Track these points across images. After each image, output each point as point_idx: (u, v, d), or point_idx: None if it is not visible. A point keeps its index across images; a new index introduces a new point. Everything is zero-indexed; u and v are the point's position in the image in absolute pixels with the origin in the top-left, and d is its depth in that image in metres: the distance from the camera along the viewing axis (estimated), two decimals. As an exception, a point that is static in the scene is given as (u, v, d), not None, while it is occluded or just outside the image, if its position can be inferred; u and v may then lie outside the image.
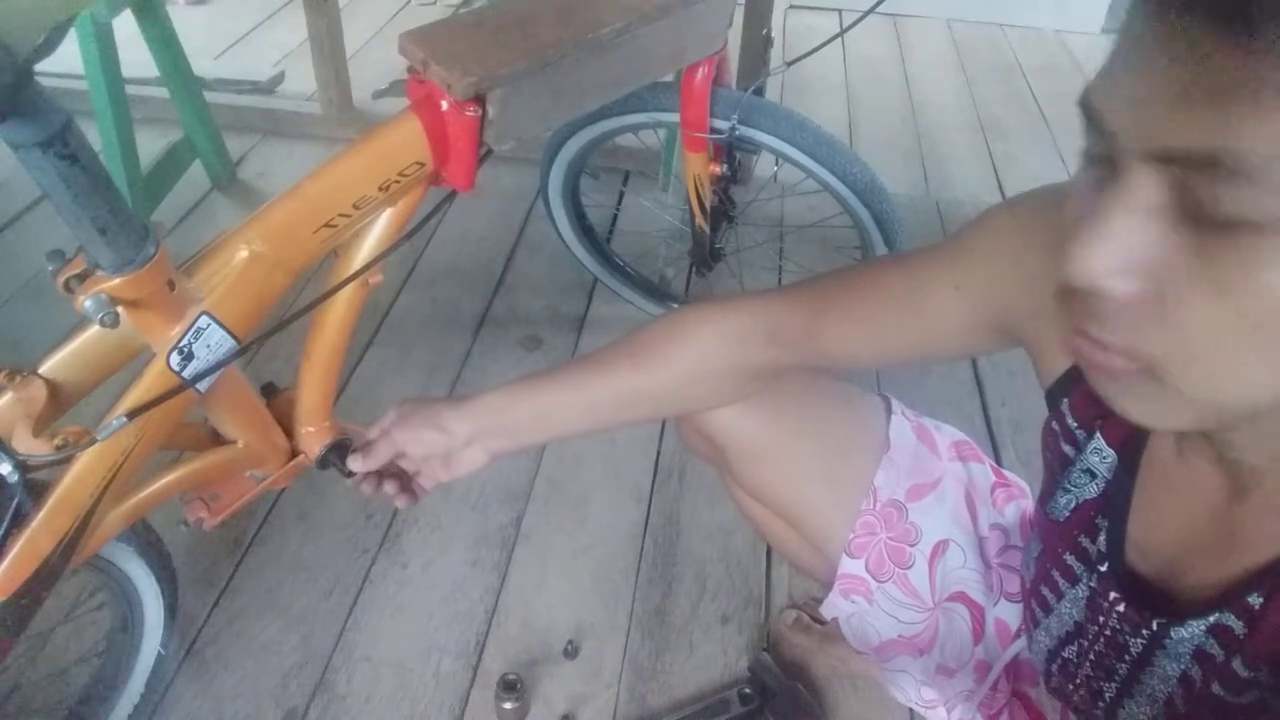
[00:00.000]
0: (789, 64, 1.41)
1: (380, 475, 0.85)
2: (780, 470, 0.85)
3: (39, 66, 0.55)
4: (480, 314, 1.79)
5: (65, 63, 1.53)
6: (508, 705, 1.10)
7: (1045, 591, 0.66)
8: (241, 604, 1.25)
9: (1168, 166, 0.35)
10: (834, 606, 0.89)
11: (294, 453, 1.02)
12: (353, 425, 1.05)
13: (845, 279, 0.71)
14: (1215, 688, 0.50)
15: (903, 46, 3.01)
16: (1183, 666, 0.53)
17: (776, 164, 1.42)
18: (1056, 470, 0.64)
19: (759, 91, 1.39)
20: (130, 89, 1.74)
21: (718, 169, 1.41)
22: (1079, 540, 0.62)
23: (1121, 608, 0.58)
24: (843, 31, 1.45)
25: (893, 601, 0.86)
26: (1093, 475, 0.60)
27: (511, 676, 1.10)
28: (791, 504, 0.88)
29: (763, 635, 1.24)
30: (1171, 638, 0.54)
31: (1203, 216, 0.35)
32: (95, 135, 1.68)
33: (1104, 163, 0.38)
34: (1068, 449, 0.62)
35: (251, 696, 1.15)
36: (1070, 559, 0.62)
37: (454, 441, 0.79)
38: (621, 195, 2.12)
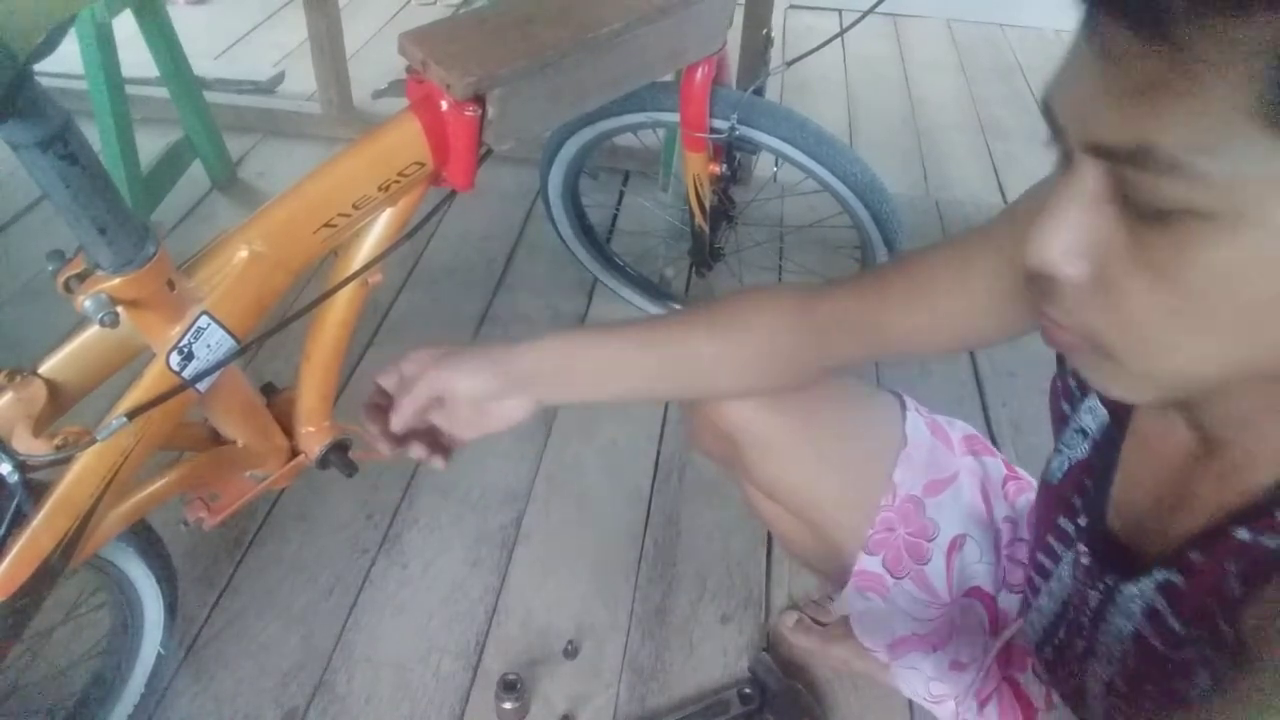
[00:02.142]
0: (789, 64, 1.41)
1: (401, 436, 0.75)
2: (798, 466, 0.84)
3: (39, 66, 0.55)
4: (480, 314, 1.79)
5: (65, 63, 1.53)
6: (508, 705, 1.10)
7: (1043, 559, 0.67)
8: (241, 604, 1.25)
9: (1104, 160, 0.37)
10: (848, 604, 0.89)
11: (294, 453, 1.02)
12: (352, 425, 1.05)
13: (902, 262, 0.71)
14: (1159, 645, 0.52)
15: (903, 46, 3.01)
16: (1135, 625, 0.55)
17: (776, 164, 1.42)
18: (1057, 431, 0.65)
19: (759, 91, 1.39)
20: (130, 89, 1.74)
21: (717, 169, 1.41)
22: (1071, 501, 0.63)
23: (1086, 561, 0.60)
24: (843, 31, 1.45)
25: (909, 598, 0.86)
26: (1085, 434, 0.62)
27: (511, 676, 1.10)
28: (808, 501, 0.87)
29: (763, 635, 1.24)
30: (1122, 593, 0.56)
31: (1139, 205, 0.37)
32: (95, 135, 1.68)
33: (1062, 156, 0.41)
34: (1065, 407, 0.64)
35: (251, 696, 1.15)
36: (1063, 521, 0.64)
37: (502, 384, 0.73)
38: (621, 195, 2.12)
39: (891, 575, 0.86)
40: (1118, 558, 0.58)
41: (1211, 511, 0.50)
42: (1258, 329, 0.38)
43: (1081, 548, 0.60)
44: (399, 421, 0.73)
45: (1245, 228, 0.34)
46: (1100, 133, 0.37)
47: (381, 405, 0.75)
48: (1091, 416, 0.61)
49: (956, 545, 0.85)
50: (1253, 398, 0.45)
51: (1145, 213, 0.37)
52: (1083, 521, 0.61)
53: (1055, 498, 0.65)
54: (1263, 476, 0.47)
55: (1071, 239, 0.39)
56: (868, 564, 0.86)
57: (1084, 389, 0.62)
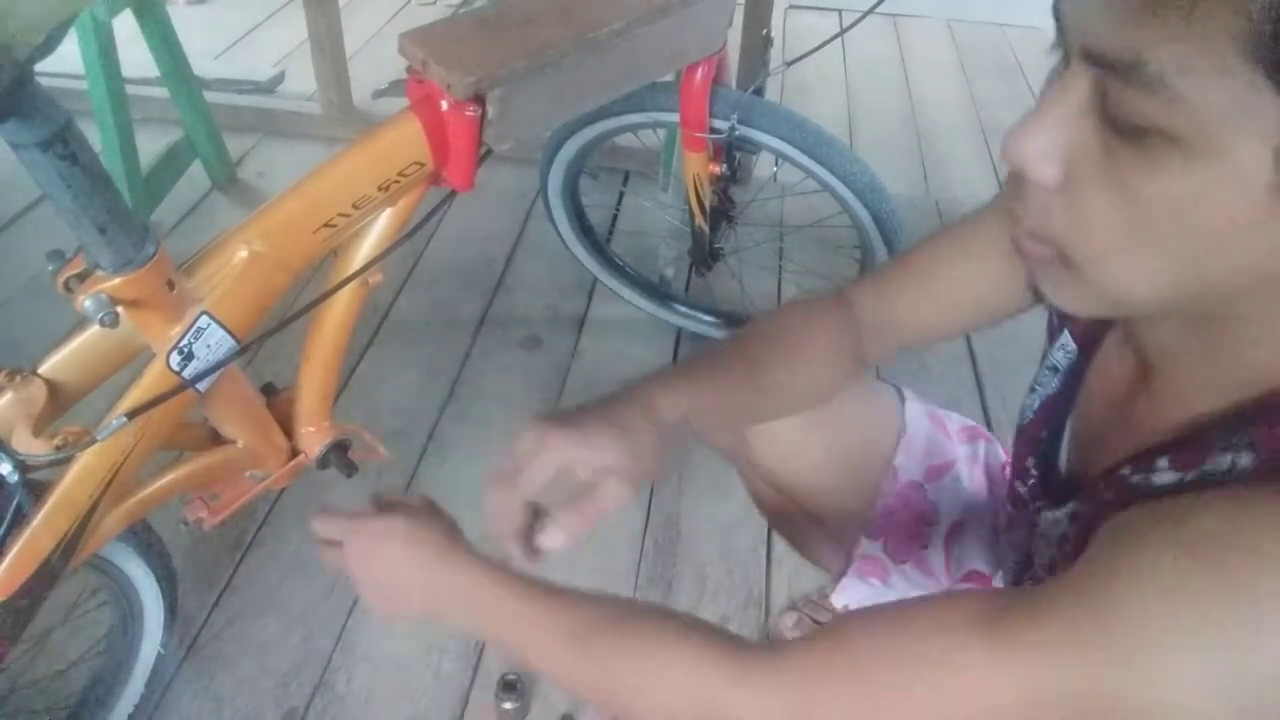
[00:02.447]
0: (789, 64, 1.41)
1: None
2: (802, 453, 0.85)
3: (39, 66, 0.55)
4: (480, 314, 1.79)
5: (65, 63, 1.53)
6: (508, 705, 1.10)
7: (1012, 510, 0.69)
8: (241, 604, 1.25)
9: (1095, 68, 0.38)
10: (848, 592, 0.89)
11: (294, 453, 1.02)
12: (352, 425, 1.05)
13: (905, 255, 0.73)
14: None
15: (903, 46, 3.01)
16: (1052, 553, 0.57)
17: (776, 164, 1.42)
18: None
19: (759, 91, 1.39)
20: (130, 89, 1.74)
21: (717, 169, 1.41)
22: (1039, 437, 0.64)
23: (1021, 489, 0.62)
24: (843, 31, 1.45)
25: (909, 583, 0.86)
26: (1056, 370, 0.63)
27: (511, 676, 1.11)
28: (812, 487, 0.88)
29: (763, 635, 1.23)
30: (1042, 522, 0.58)
31: (1118, 120, 0.38)
32: (95, 135, 1.68)
33: (1060, 61, 0.42)
34: (1046, 345, 0.65)
35: (251, 696, 1.15)
36: (1030, 463, 0.65)
37: (632, 450, 0.63)
38: (621, 195, 2.12)
39: (892, 560, 0.86)
40: (1059, 487, 0.60)
41: (1135, 445, 0.50)
42: (1198, 259, 0.39)
43: (1033, 474, 0.62)
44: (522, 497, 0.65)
45: (1209, 158, 0.36)
46: (1099, 40, 0.37)
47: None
48: (1063, 353, 0.63)
49: (956, 530, 0.86)
50: (1184, 330, 0.47)
51: (1122, 128, 0.38)
52: (1036, 456, 0.63)
53: (1026, 440, 0.66)
54: (1182, 414, 0.48)
55: (1049, 140, 0.40)
56: (869, 548, 0.86)
57: (1061, 324, 0.63)
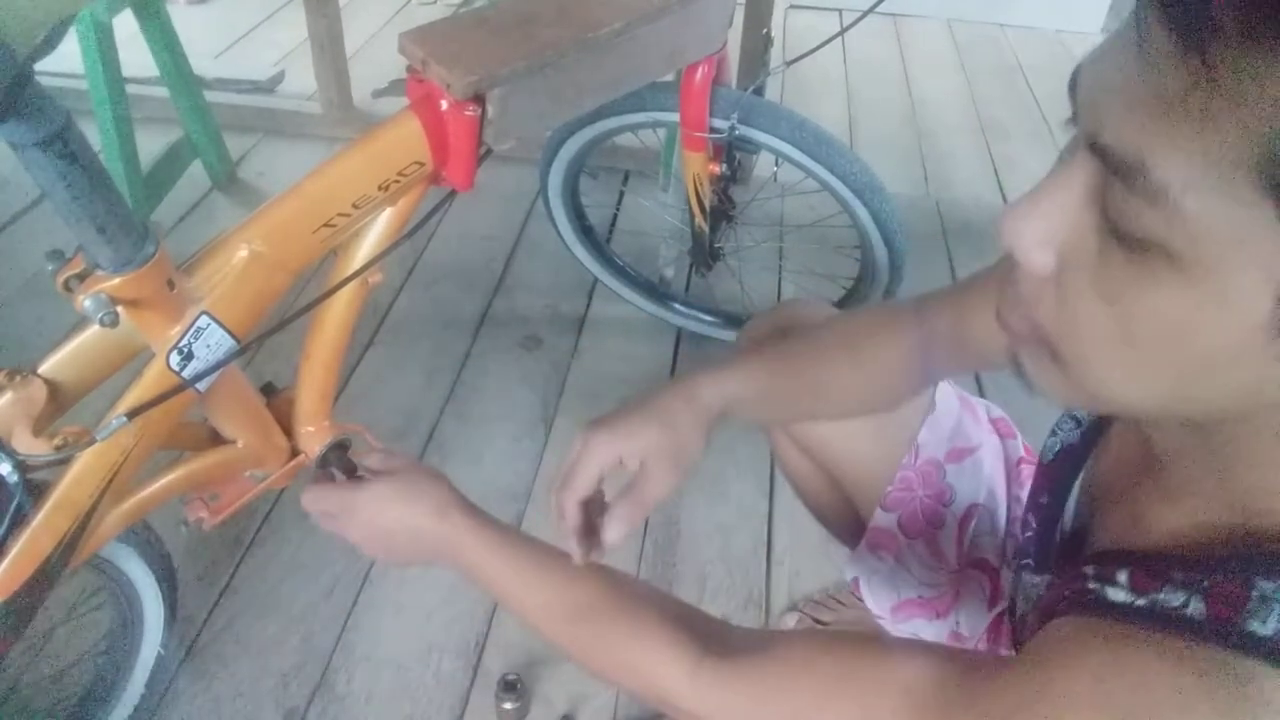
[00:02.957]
0: (789, 64, 1.41)
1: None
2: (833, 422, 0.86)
3: (39, 66, 0.55)
4: (480, 314, 1.79)
5: (65, 63, 1.53)
6: (508, 705, 1.10)
7: (1019, 533, 0.70)
8: (241, 604, 1.25)
9: (1100, 161, 0.36)
10: (859, 563, 0.90)
11: (294, 452, 1.02)
12: (352, 425, 1.05)
13: (993, 266, 0.71)
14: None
15: (903, 46, 3.01)
16: (1028, 611, 0.59)
17: (776, 164, 1.42)
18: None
19: (759, 91, 1.39)
20: (130, 89, 1.74)
21: (717, 169, 1.41)
22: (1054, 484, 0.64)
23: (1020, 536, 0.62)
24: (843, 31, 1.45)
25: (918, 561, 0.87)
26: (1078, 422, 0.63)
27: (511, 676, 1.10)
28: (839, 453, 0.88)
29: (763, 635, 1.24)
30: (1024, 581, 0.59)
31: (1116, 225, 0.35)
32: (95, 135, 1.68)
33: (1073, 141, 0.39)
34: None
35: (251, 696, 1.15)
36: (1045, 499, 0.65)
37: (697, 428, 0.67)
38: (621, 195, 2.12)
39: (905, 535, 0.87)
40: (1049, 549, 0.61)
41: (1129, 528, 0.50)
42: (1187, 378, 0.37)
43: (1032, 525, 0.62)
44: (576, 500, 0.67)
45: (1204, 283, 0.34)
46: (1106, 134, 0.35)
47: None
48: None
49: (970, 515, 0.87)
50: (1185, 432, 0.45)
51: (1119, 234, 0.35)
52: (1044, 501, 0.63)
53: (1043, 477, 0.66)
54: (1183, 515, 0.46)
55: (1046, 228, 0.38)
56: (882, 520, 0.87)
57: None
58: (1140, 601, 0.43)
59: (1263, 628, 0.37)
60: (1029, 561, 0.62)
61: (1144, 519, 0.50)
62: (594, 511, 0.68)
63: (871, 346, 0.75)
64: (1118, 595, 0.45)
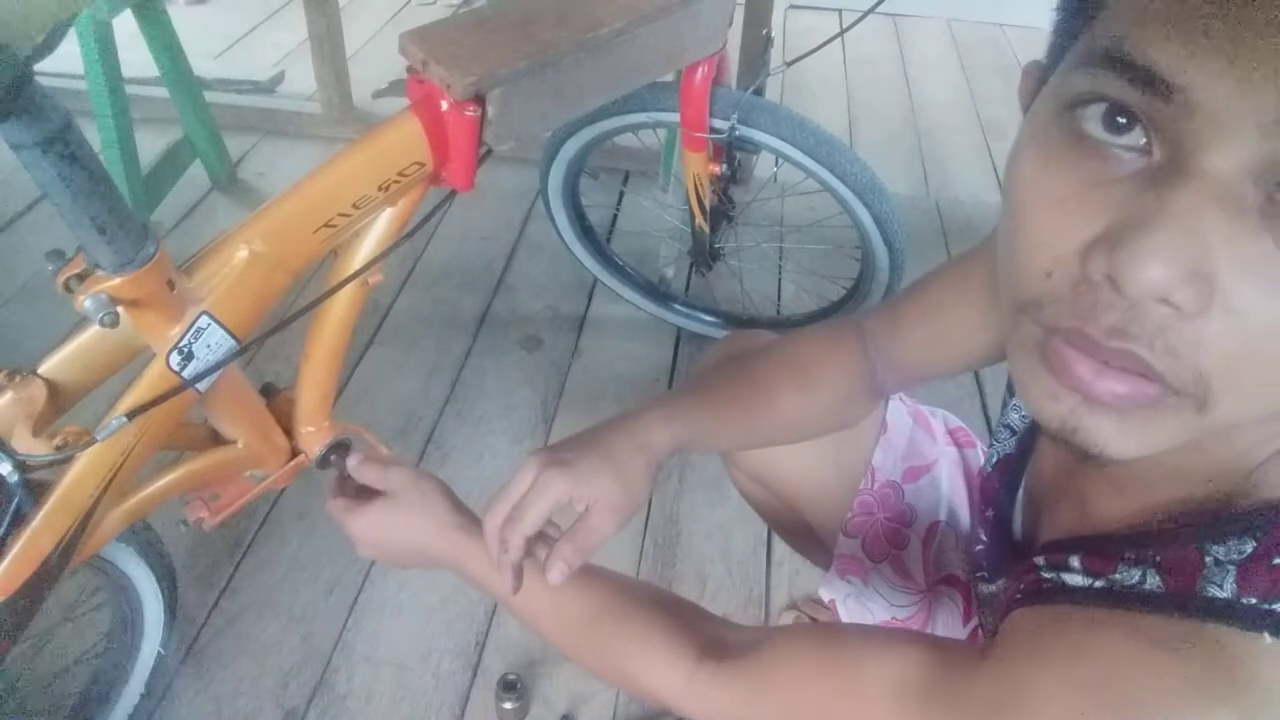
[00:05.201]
0: (789, 64, 1.41)
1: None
2: (785, 450, 0.85)
3: (39, 66, 0.55)
4: (480, 314, 1.79)
5: (65, 63, 1.52)
6: (508, 705, 1.10)
7: (979, 551, 0.69)
8: (241, 604, 1.25)
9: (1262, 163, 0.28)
10: (832, 587, 0.90)
11: (294, 453, 1.02)
12: (352, 425, 1.05)
13: (913, 287, 0.72)
14: None
15: (903, 46, 3.01)
16: (991, 619, 0.59)
17: (776, 164, 1.42)
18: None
19: (759, 91, 1.38)
20: (130, 89, 1.73)
21: (717, 169, 1.41)
22: (995, 495, 0.65)
23: (975, 551, 0.63)
24: (843, 31, 1.45)
25: (886, 583, 0.87)
26: (1013, 431, 0.64)
27: (511, 676, 1.11)
28: (795, 485, 0.88)
29: (763, 635, 1.24)
30: (981, 592, 0.59)
31: None
32: (95, 135, 1.68)
33: (1131, 131, 0.31)
34: (1004, 400, 0.66)
35: (251, 696, 1.15)
36: (990, 513, 0.66)
37: (642, 470, 0.66)
38: (621, 195, 2.12)
39: (870, 559, 0.86)
40: (1001, 556, 0.61)
41: (1077, 521, 0.50)
42: None
43: (982, 539, 0.62)
44: (521, 539, 0.65)
45: None
46: None
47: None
48: (1018, 414, 0.63)
49: (933, 533, 0.86)
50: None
51: None
52: (990, 514, 0.64)
53: (987, 489, 0.67)
54: (1133, 497, 0.46)
55: (1195, 260, 0.29)
56: (846, 546, 0.87)
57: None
58: (1098, 583, 0.44)
59: (1220, 591, 0.38)
60: (983, 574, 0.63)
61: (1091, 510, 0.50)
62: (531, 541, 0.67)
63: (817, 369, 0.74)
64: (1075, 580, 0.45)
